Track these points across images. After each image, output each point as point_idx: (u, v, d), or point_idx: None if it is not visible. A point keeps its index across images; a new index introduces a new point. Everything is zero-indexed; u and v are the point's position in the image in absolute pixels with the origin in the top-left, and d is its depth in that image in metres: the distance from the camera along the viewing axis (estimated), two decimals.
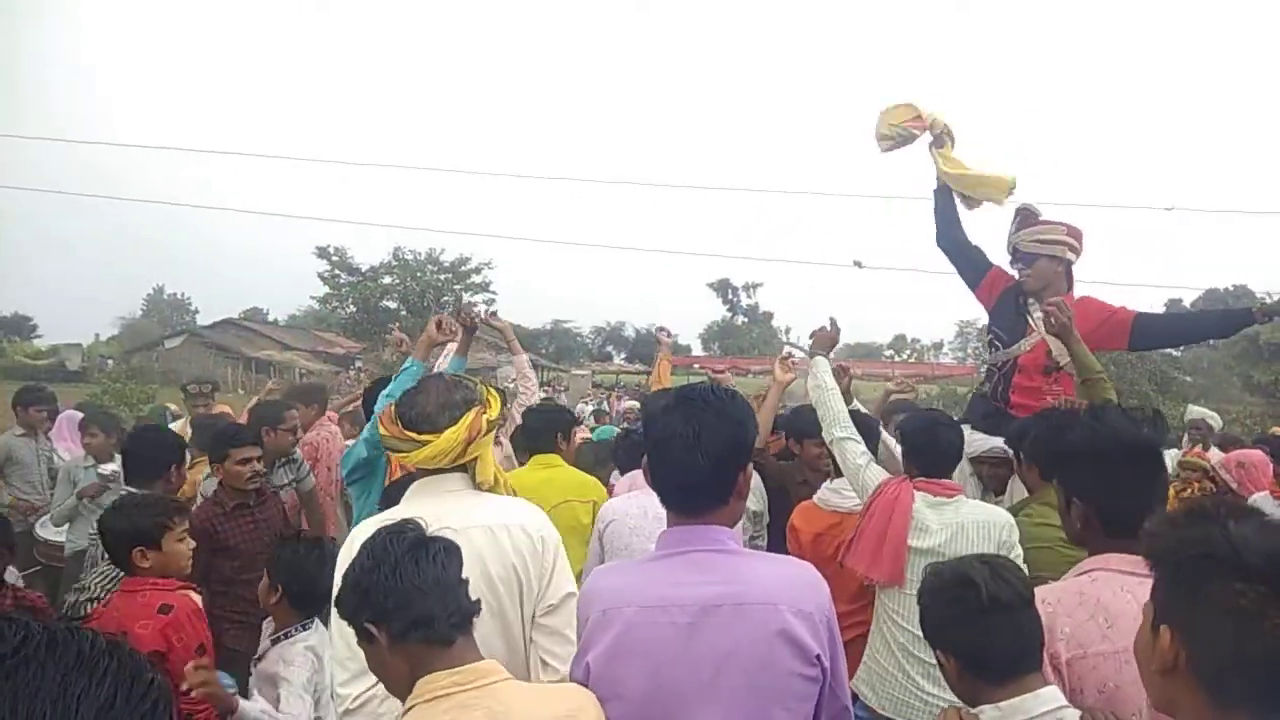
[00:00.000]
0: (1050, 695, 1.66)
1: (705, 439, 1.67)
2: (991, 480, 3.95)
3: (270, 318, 49.21)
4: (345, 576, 1.69)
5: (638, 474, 3.68)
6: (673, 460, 1.70)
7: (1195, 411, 7.01)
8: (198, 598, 2.93)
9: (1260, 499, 4.70)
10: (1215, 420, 7.05)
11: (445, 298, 39.71)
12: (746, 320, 56.21)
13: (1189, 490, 5.55)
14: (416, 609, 1.61)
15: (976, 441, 3.89)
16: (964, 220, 4.31)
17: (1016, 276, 4.05)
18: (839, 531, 3.41)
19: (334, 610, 1.78)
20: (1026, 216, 3.95)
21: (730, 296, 56.53)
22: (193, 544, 3.00)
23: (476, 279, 39.48)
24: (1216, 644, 1.15)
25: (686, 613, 1.65)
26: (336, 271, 38.96)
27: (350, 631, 1.69)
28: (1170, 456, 6.84)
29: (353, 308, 39.15)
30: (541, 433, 4.02)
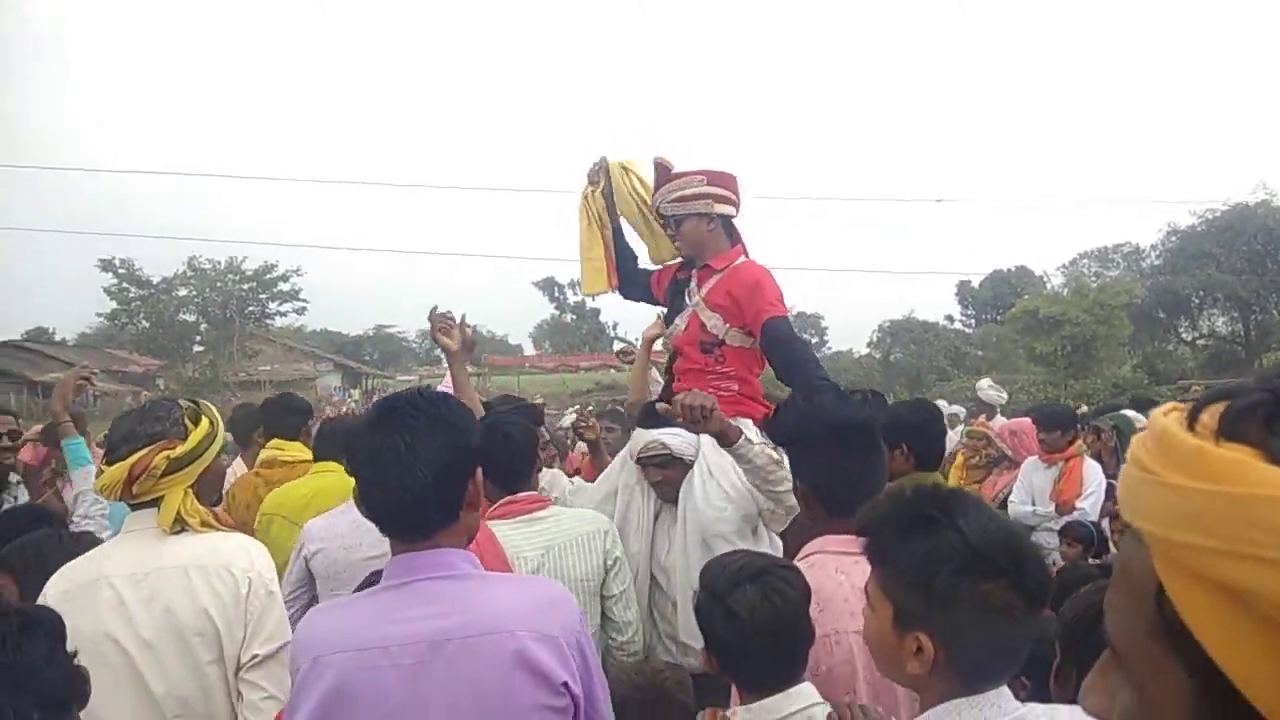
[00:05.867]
0: (801, 693, 1.59)
1: (421, 449, 1.46)
2: (662, 488, 2.85)
3: (58, 337, 44.80)
4: None
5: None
6: (386, 478, 1.47)
7: (985, 390, 7.55)
8: None
9: (1030, 462, 5.24)
10: (1001, 397, 7.60)
11: (250, 308, 37.42)
12: (575, 318, 56.21)
13: (977, 457, 5.99)
14: None
15: (640, 441, 2.92)
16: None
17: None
18: None
19: None
20: (661, 173, 3.32)
21: (557, 295, 56.35)
22: None
23: (284, 287, 37.30)
24: (974, 642, 1.21)
25: (411, 652, 1.44)
26: (124, 285, 35.82)
27: None
28: (958, 430, 7.35)
29: (145, 323, 36.15)
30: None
